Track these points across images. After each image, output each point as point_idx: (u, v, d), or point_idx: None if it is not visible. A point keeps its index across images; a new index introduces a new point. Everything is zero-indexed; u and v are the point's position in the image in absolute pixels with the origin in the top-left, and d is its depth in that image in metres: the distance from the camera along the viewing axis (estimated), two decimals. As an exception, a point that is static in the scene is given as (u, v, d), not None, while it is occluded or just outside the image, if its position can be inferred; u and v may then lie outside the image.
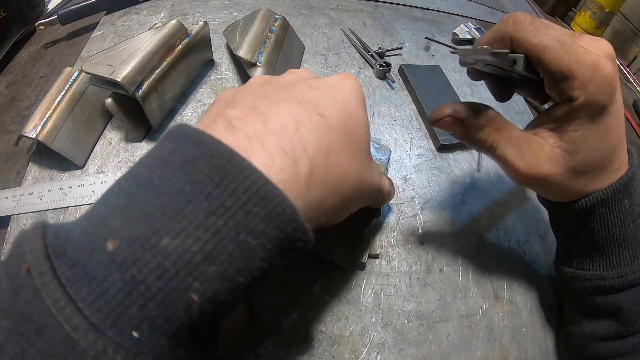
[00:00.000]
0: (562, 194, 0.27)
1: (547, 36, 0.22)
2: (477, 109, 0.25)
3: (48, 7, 0.51)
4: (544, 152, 0.25)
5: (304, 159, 0.18)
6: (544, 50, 0.22)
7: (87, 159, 0.36)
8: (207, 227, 0.14)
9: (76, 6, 0.47)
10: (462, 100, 0.47)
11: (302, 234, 0.16)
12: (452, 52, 0.26)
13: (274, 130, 0.18)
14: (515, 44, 0.24)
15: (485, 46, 0.24)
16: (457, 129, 0.25)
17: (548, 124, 0.25)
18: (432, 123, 0.26)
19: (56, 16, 0.46)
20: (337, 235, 0.32)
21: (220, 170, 0.15)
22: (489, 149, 0.26)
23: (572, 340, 0.31)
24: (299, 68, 0.47)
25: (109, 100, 0.34)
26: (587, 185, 0.26)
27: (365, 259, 0.33)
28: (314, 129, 0.19)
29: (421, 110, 0.46)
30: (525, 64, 0.24)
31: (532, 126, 0.26)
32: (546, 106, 0.27)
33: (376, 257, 0.34)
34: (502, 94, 0.28)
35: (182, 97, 0.42)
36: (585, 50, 0.22)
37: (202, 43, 0.42)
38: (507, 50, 0.24)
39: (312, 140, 0.18)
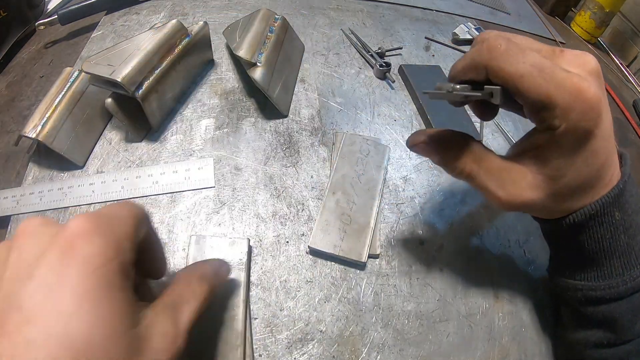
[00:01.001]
0: (549, 214, 0.27)
1: (524, 63, 0.21)
2: (455, 138, 0.25)
3: (48, 7, 0.51)
4: (525, 180, 0.24)
5: None
6: (521, 80, 0.21)
7: (87, 159, 0.36)
8: None
9: (76, 6, 0.47)
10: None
11: None
12: (424, 94, 0.25)
13: None
14: (490, 73, 0.22)
15: (457, 86, 0.24)
16: (434, 156, 0.26)
17: (529, 151, 0.24)
18: (409, 147, 0.26)
19: (56, 16, 0.46)
20: (348, 233, 0.33)
21: None
22: (467, 178, 0.26)
23: (567, 345, 0.31)
24: (299, 68, 0.48)
25: (109, 100, 0.34)
26: (575, 204, 0.25)
27: (365, 258, 0.33)
28: None
29: (421, 110, 0.46)
30: (503, 94, 0.22)
31: (513, 151, 0.26)
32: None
33: (376, 257, 0.34)
34: (486, 114, 0.28)
35: (182, 97, 0.42)
36: (566, 75, 0.21)
37: (202, 43, 0.42)
38: (479, 94, 0.23)
39: None
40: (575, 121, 0.21)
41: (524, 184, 0.24)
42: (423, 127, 0.45)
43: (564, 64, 0.22)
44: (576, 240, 0.27)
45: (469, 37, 0.59)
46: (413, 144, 0.26)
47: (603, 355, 0.27)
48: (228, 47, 0.48)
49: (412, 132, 0.42)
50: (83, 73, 0.36)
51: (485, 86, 0.23)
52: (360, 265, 0.33)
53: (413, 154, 0.42)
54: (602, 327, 0.27)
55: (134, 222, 0.19)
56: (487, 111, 0.28)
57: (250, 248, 0.32)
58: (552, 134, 0.22)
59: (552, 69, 0.21)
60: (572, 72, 0.21)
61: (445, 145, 0.25)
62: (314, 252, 0.33)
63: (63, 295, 0.15)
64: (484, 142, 0.44)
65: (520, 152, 0.25)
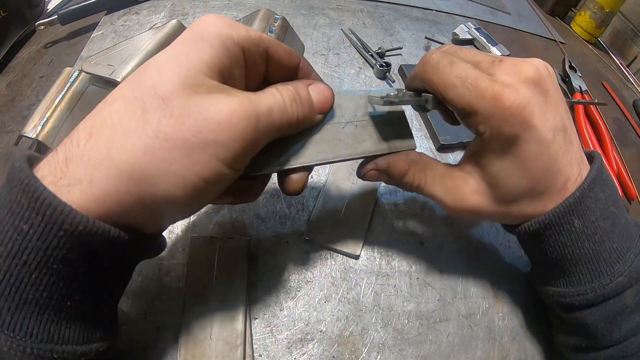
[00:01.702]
0: (505, 220, 0.27)
1: (449, 74, 0.23)
2: (398, 157, 0.26)
3: (48, 7, 0.51)
4: (468, 186, 0.26)
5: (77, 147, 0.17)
6: (445, 90, 0.23)
7: (87, 159, 0.36)
8: None
9: (76, 6, 0.47)
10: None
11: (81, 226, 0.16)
12: (368, 98, 0.27)
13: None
14: (424, 84, 0.25)
15: (395, 93, 0.26)
16: (384, 178, 0.27)
17: (470, 157, 0.26)
18: (360, 177, 0.27)
19: (56, 16, 0.46)
20: (343, 227, 0.34)
21: (9, 174, 0.17)
22: (417, 189, 0.27)
23: (563, 349, 0.31)
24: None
25: None
26: (527, 209, 0.25)
27: (359, 251, 0.33)
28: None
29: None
30: (435, 102, 0.25)
31: (461, 160, 0.27)
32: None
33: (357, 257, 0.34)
34: (451, 119, 0.28)
35: (182, 97, 0.42)
36: (489, 84, 0.22)
37: (202, 43, 0.42)
38: (415, 100, 0.25)
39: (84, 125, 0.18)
40: (497, 127, 0.22)
41: (468, 189, 0.26)
42: (423, 127, 0.45)
43: (499, 73, 0.23)
44: (537, 249, 0.27)
45: (469, 37, 0.59)
46: (363, 174, 0.27)
47: (586, 358, 0.27)
48: (228, 47, 0.48)
49: (413, 130, 0.42)
50: (83, 73, 0.36)
51: (423, 93, 0.26)
52: (355, 257, 0.33)
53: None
54: (578, 332, 0.27)
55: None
56: (449, 116, 0.28)
57: (249, 248, 0.32)
58: (481, 139, 0.24)
59: (475, 79, 0.22)
60: (499, 81, 0.22)
61: (390, 167, 0.26)
62: (311, 242, 0.34)
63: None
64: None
65: (464, 158, 0.26)
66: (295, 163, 0.24)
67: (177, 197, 0.18)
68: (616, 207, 0.26)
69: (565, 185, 0.24)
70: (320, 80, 0.25)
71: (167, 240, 0.32)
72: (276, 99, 0.20)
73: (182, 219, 0.25)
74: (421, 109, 0.27)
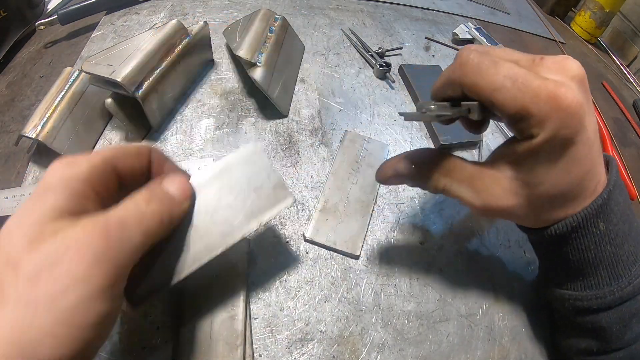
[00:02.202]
0: (531, 222, 0.26)
1: (496, 75, 0.21)
2: (421, 158, 0.25)
3: (48, 7, 0.51)
4: (500, 187, 0.24)
5: None
6: (494, 93, 0.21)
7: (87, 159, 0.36)
8: None
9: (76, 6, 0.47)
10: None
11: None
12: (400, 115, 0.26)
13: None
14: (465, 89, 0.22)
15: (432, 106, 0.24)
16: (407, 182, 0.26)
17: (507, 157, 0.24)
18: (380, 183, 0.26)
19: (56, 16, 0.46)
20: (343, 227, 0.34)
21: None
22: (442, 192, 0.26)
23: (559, 348, 0.31)
24: (299, 68, 0.48)
25: (109, 100, 0.34)
26: (558, 213, 0.24)
27: (359, 251, 0.33)
28: None
29: (421, 110, 0.46)
30: (481, 109, 0.22)
31: (491, 157, 0.25)
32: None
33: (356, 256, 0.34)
34: (476, 129, 0.27)
35: (182, 97, 0.42)
36: (542, 82, 0.20)
37: (202, 43, 0.42)
38: (454, 112, 0.23)
39: None
40: (554, 130, 0.20)
41: (499, 190, 0.24)
42: (423, 127, 0.45)
43: (543, 72, 0.21)
44: (560, 252, 0.26)
45: (469, 37, 0.59)
46: (384, 180, 0.26)
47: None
48: (228, 47, 0.48)
49: (413, 130, 0.41)
50: (83, 73, 0.36)
51: (462, 102, 0.23)
52: (355, 256, 0.33)
53: (413, 154, 0.42)
54: (591, 335, 0.27)
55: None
56: (475, 125, 0.27)
57: (250, 248, 0.32)
58: (530, 143, 0.22)
59: (526, 78, 0.20)
60: (550, 79, 0.21)
61: (414, 170, 0.25)
62: (311, 243, 0.34)
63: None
64: (484, 143, 0.45)
65: (498, 157, 0.24)
66: (180, 275, 0.23)
67: (61, 355, 0.16)
68: (630, 210, 0.26)
69: (595, 188, 0.24)
70: (175, 168, 0.24)
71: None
72: (128, 207, 0.20)
73: None
74: (464, 120, 0.24)
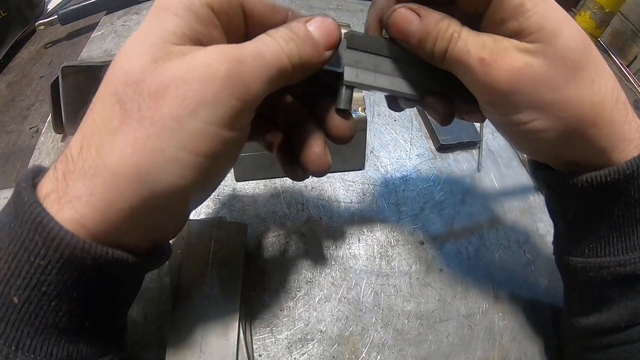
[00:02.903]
0: (559, 144, 0.22)
1: None
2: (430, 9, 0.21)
3: (48, 7, 0.51)
4: (511, 42, 0.20)
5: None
6: None
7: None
8: (9, 252, 0.16)
9: (76, 6, 0.47)
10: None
11: (90, 254, 0.16)
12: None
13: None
14: None
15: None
16: (413, 21, 0.21)
17: (501, 31, 0.20)
18: (386, 21, 0.22)
19: (56, 16, 0.46)
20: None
21: (16, 203, 0.16)
22: (449, 42, 0.21)
23: (576, 330, 0.28)
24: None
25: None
26: (595, 146, 0.21)
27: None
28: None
29: (421, 110, 0.46)
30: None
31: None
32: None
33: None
34: (444, 118, 0.24)
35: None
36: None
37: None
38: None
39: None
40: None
41: (509, 44, 0.20)
42: (423, 127, 0.45)
43: None
44: (602, 207, 0.23)
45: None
46: (390, 14, 0.22)
47: (618, 338, 0.25)
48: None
49: (413, 129, 0.41)
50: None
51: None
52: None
53: (412, 155, 0.42)
54: (622, 307, 0.25)
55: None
56: (446, 114, 0.24)
57: (249, 241, 0.32)
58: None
59: None
60: None
61: (423, 9, 0.21)
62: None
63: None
64: (483, 142, 0.45)
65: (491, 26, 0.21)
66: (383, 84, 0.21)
67: (181, 185, 0.16)
68: None
69: (635, 135, 0.22)
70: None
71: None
72: (265, 41, 0.18)
73: (202, 203, 0.22)
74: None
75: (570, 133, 0.21)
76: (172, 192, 0.16)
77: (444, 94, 0.23)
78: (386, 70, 0.22)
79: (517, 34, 0.20)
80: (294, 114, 0.22)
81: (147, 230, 0.18)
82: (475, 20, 0.21)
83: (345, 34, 0.21)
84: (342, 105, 0.22)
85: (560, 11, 0.20)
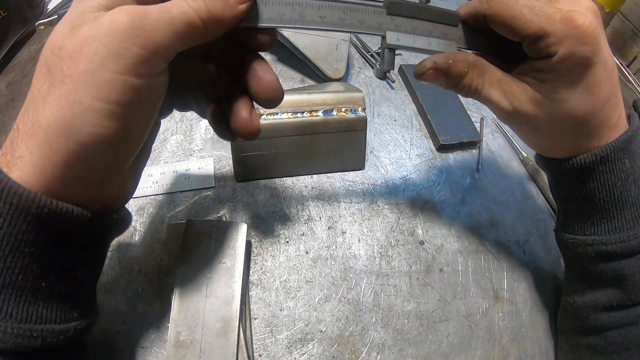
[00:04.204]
0: (555, 145, 0.27)
1: (516, 6, 0.23)
2: (457, 57, 0.26)
3: (48, 7, 0.51)
4: (526, 94, 0.25)
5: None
6: (514, 20, 0.23)
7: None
8: None
9: (76, 6, 0.47)
10: (464, 102, 0.47)
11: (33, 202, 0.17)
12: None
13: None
14: (488, 19, 0.25)
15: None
16: (442, 79, 0.26)
17: (532, 73, 0.25)
18: (417, 77, 0.26)
19: (56, 16, 0.46)
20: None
21: None
22: (474, 92, 0.26)
23: (572, 311, 0.30)
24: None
25: None
26: (582, 142, 0.25)
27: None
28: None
29: (421, 110, 0.46)
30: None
31: (517, 71, 0.26)
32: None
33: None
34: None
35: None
36: (556, 9, 0.23)
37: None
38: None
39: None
40: (571, 46, 0.22)
41: (525, 97, 0.25)
42: (423, 127, 0.45)
43: (560, 4, 0.24)
44: (585, 188, 0.27)
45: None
46: (421, 72, 0.26)
47: (612, 319, 0.27)
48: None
49: (413, 129, 0.41)
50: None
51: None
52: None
53: (412, 155, 0.42)
54: (613, 286, 0.27)
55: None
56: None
57: (249, 242, 0.32)
58: (550, 61, 0.23)
59: (542, 6, 0.23)
60: (565, 8, 0.23)
61: (450, 68, 0.25)
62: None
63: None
64: (483, 142, 0.45)
65: (523, 71, 0.25)
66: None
67: (101, 134, 0.18)
68: None
69: (617, 122, 0.25)
70: None
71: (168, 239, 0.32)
72: (173, 0, 0.19)
73: (136, 160, 0.22)
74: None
75: (585, 120, 0.25)
76: (95, 142, 0.18)
77: (480, 50, 0.27)
78: (423, 32, 0.25)
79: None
80: (220, 82, 0.23)
81: (86, 186, 0.19)
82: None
83: (384, 1, 0.23)
84: (386, 66, 0.24)
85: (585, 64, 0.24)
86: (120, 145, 0.19)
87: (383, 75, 0.49)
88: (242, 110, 0.22)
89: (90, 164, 0.19)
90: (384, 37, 0.24)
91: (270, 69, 0.22)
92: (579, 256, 0.29)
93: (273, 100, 0.22)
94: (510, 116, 0.26)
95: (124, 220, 0.23)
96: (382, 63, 0.25)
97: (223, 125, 0.23)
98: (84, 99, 0.17)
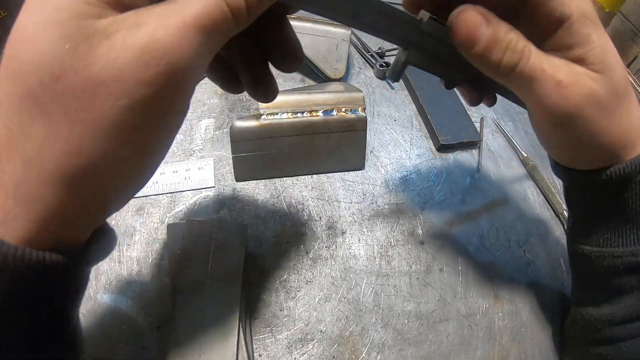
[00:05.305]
0: (596, 138, 0.23)
1: None
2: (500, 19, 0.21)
3: (48, 7, 0.51)
4: (581, 69, 0.21)
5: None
6: None
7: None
8: None
9: (76, 6, 0.47)
10: (464, 102, 0.47)
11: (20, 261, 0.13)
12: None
13: None
14: None
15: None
16: (482, 29, 0.20)
17: (565, 55, 0.21)
18: (451, 22, 0.21)
19: (56, 16, 0.46)
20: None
21: None
22: (521, 56, 0.20)
23: (584, 322, 0.29)
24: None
25: None
26: (609, 155, 0.24)
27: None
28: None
29: (421, 110, 0.46)
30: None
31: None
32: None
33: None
34: (474, 97, 0.28)
35: (182, 97, 0.42)
36: None
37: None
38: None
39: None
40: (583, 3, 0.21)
41: (581, 70, 0.21)
42: (423, 127, 0.45)
43: None
44: (617, 199, 0.25)
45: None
46: (456, 16, 0.20)
47: (628, 330, 0.26)
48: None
49: (413, 129, 0.41)
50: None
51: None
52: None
53: (412, 155, 0.42)
54: (634, 297, 0.26)
55: None
56: (475, 91, 0.27)
57: (249, 242, 0.32)
58: (569, 23, 0.20)
59: None
60: None
61: (494, 17, 0.21)
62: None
63: None
64: (484, 142, 0.45)
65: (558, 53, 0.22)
66: None
67: (129, 177, 0.16)
68: None
69: None
70: None
71: (167, 239, 0.32)
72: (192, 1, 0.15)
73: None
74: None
75: (605, 151, 0.24)
76: (125, 189, 0.17)
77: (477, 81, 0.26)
78: (444, 56, 0.23)
79: (579, 61, 0.21)
80: (243, 48, 0.22)
81: (82, 220, 0.16)
82: (533, 42, 0.22)
83: (423, 15, 0.21)
84: (394, 78, 0.24)
85: (614, 48, 0.22)
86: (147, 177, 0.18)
87: (383, 76, 0.49)
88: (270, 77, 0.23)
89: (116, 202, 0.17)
90: (405, 50, 0.22)
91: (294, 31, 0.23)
92: (602, 269, 0.27)
93: (300, 60, 0.23)
94: (568, 93, 0.21)
95: (109, 245, 0.20)
96: (391, 73, 0.24)
97: (233, 82, 0.24)
98: (107, 149, 0.14)
